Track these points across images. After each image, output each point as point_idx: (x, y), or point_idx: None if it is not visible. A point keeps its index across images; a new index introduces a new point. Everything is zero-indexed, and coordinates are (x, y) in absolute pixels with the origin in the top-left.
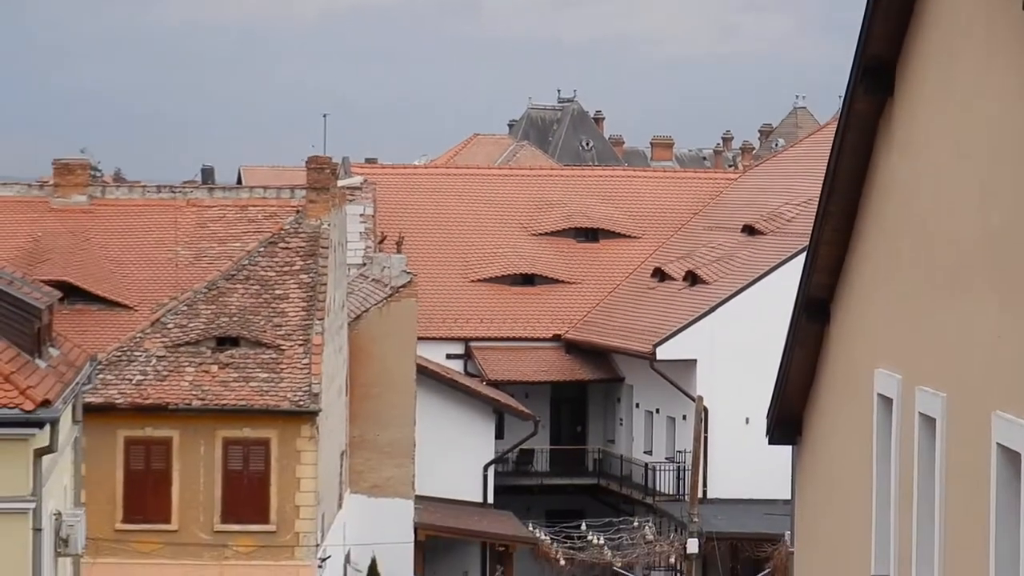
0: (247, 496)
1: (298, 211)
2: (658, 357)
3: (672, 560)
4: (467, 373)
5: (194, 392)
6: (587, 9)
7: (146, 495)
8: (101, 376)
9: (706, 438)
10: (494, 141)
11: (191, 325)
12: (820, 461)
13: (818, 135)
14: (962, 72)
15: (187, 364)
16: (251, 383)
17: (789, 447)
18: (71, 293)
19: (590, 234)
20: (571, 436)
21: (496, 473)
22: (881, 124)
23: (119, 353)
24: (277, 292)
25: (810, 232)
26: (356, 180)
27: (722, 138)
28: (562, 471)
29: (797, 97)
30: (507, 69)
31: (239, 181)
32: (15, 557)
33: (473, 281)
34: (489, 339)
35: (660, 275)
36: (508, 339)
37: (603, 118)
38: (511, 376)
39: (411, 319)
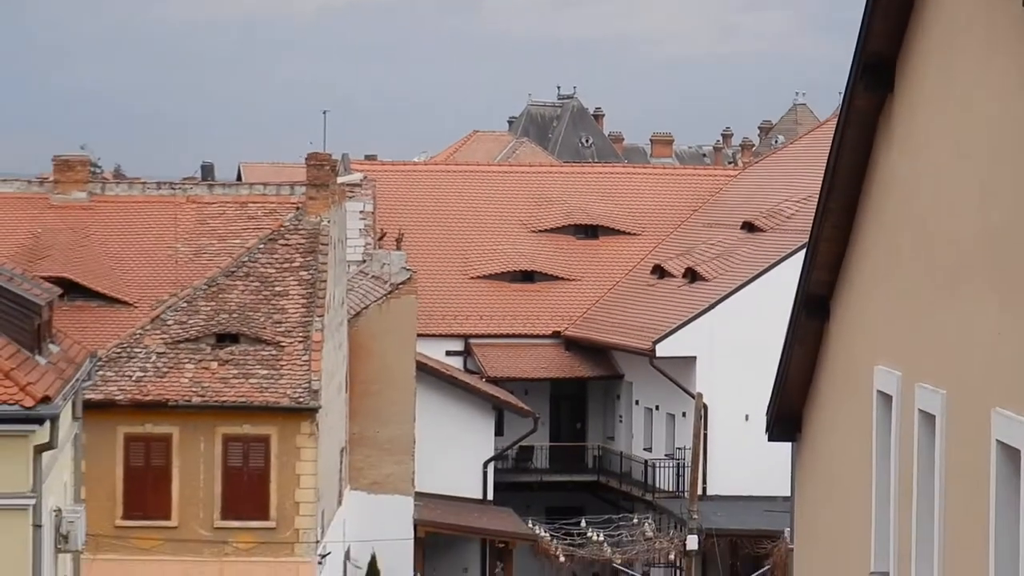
0: (247, 493)
1: (298, 208)
2: (658, 354)
3: (672, 557)
4: (467, 370)
5: (194, 389)
6: (587, 6)
7: (146, 491)
8: (101, 373)
9: (706, 435)
10: (494, 138)
11: (191, 322)
12: (820, 458)
13: (818, 132)
14: (962, 69)
15: (187, 361)
16: (251, 380)
17: (789, 444)
18: (71, 290)
19: (590, 231)
20: (571, 433)
21: (496, 470)
22: (881, 121)
23: (119, 350)
24: (277, 289)
25: (810, 229)
26: (356, 177)
27: (722, 135)
28: (562, 468)
29: (797, 94)
30: (507, 66)
31: (239, 178)
32: (15, 553)
33: (473, 278)
34: (489, 336)
35: (660, 272)
36: (508, 336)
37: (603, 115)
38: (511, 373)
39: (411, 316)
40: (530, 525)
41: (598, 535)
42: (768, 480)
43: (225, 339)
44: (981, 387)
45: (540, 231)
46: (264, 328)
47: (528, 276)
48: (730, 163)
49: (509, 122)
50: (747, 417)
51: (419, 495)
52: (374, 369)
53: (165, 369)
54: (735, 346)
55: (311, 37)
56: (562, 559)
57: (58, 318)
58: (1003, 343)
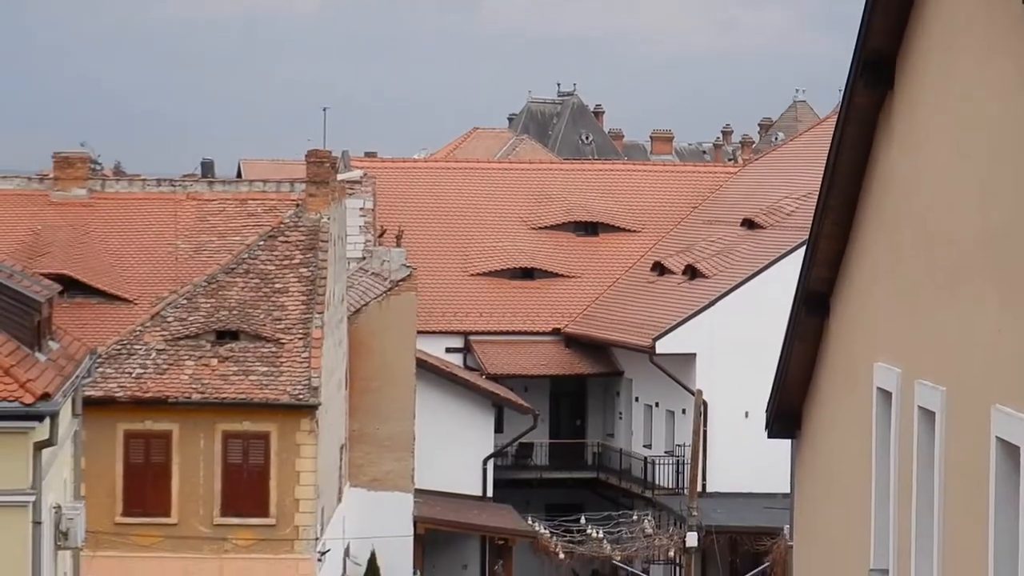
0: (247, 490)
1: (298, 205)
2: (657, 351)
3: (671, 554)
4: (466, 367)
5: (194, 386)
6: (587, 3)
7: (146, 488)
8: (101, 369)
9: (705, 432)
10: (494, 135)
11: (191, 319)
12: (819, 455)
13: (818, 129)
14: (962, 67)
15: (187, 358)
16: (251, 377)
17: (788, 441)
18: (71, 286)
19: (590, 228)
20: (570, 430)
21: (495, 467)
22: (881, 118)
23: (119, 346)
24: (277, 286)
25: (810, 226)
26: (356, 174)
27: (722, 132)
28: (561, 465)
29: (797, 91)
30: (507, 63)
31: (239, 175)
32: (15, 550)
33: (473, 275)
34: (488, 333)
35: (660, 269)
36: (507, 333)
37: (603, 112)
38: (510, 370)
39: (411, 313)
40: (530, 522)
41: (598, 532)
42: (768, 477)
43: (225, 336)
44: (981, 384)
45: (540, 228)
46: (264, 325)
47: (528, 273)
48: (730, 160)
49: (509, 119)
50: (747, 414)
51: (419, 492)
52: (374, 366)
53: (165, 366)
54: (735, 343)
55: (311, 34)
56: (561, 556)
57: (58, 315)
58: (1003, 340)
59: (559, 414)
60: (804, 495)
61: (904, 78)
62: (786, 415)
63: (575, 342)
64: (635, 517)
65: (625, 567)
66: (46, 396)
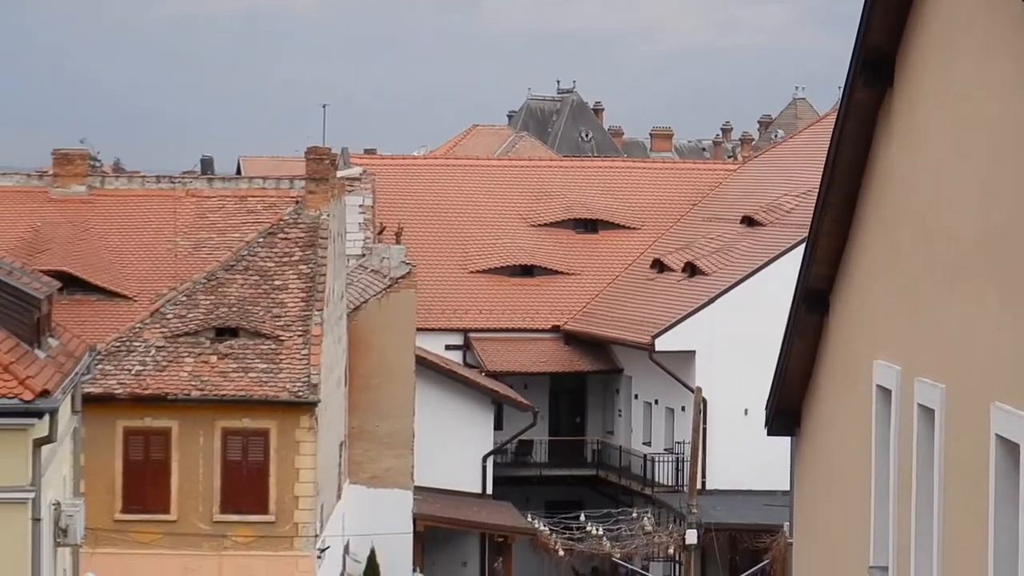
0: (246, 487)
1: (297, 202)
2: (657, 348)
3: (671, 551)
4: (466, 364)
5: (193, 382)
6: (587, 1)
7: (145, 485)
8: (100, 366)
9: (705, 429)
10: (493, 132)
11: (190, 316)
12: (819, 452)
13: (817, 126)
14: (962, 65)
15: (186, 355)
16: (250, 374)
17: (788, 438)
18: (70, 283)
19: (589, 225)
20: (570, 427)
21: (495, 464)
22: (880, 115)
23: (118, 343)
24: (276, 283)
25: (809, 223)
26: (355, 171)
27: (721, 129)
28: (561, 462)
29: (796, 88)
30: (506, 60)
31: (238, 172)
32: (14, 547)
33: (472, 272)
34: (488, 330)
35: (659, 266)
36: (507, 330)
37: (602, 109)
38: (510, 367)
39: (410, 310)
40: (529, 519)
41: (597, 529)
42: (767, 474)
43: (224, 333)
44: (980, 381)
45: (540, 225)
46: (263, 322)
47: (527, 270)
48: (730, 157)
49: (509, 116)
50: (746, 411)
51: (418, 489)
52: (373, 363)
53: (164, 363)
54: (734, 340)
55: (311, 32)
56: (561, 553)
57: (57, 312)
58: (1002, 337)
59: (559, 411)
60: (804, 492)
61: (904, 76)
62: (786, 412)
63: (575, 339)
64: (635, 514)
65: (625, 564)
66: (45, 393)
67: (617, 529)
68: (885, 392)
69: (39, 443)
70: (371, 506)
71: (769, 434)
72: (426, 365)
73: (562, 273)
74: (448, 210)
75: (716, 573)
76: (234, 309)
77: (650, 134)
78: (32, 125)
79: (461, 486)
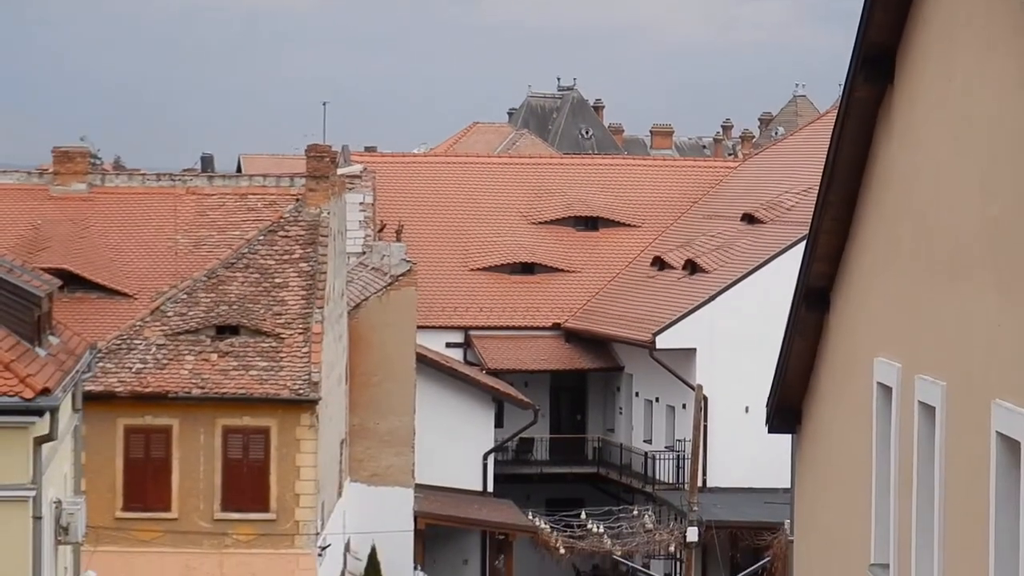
0: (247, 484)
1: (298, 199)
2: (658, 346)
3: (672, 549)
4: (467, 362)
5: (194, 380)
6: None
7: (146, 483)
8: (101, 364)
9: (706, 427)
10: (494, 129)
11: (191, 313)
12: (820, 450)
13: (818, 123)
14: (962, 62)
15: (187, 352)
16: (251, 371)
17: (789, 436)
18: (71, 281)
19: (590, 223)
20: (571, 425)
21: (496, 462)
22: (881, 113)
23: (119, 341)
24: (277, 280)
25: (810, 221)
26: (356, 168)
27: (722, 126)
28: (562, 460)
29: (797, 85)
30: (507, 57)
31: (239, 169)
32: (15, 545)
33: (473, 270)
34: (489, 328)
35: (660, 264)
36: (508, 328)
37: (603, 106)
38: (511, 365)
39: (411, 307)
40: (530, 517)
41: (598, 527)
42: (768, 472)
43: (225, 331)
44: (981, 379)
45: (540, 223)
46: (264, 320)
47: (528, 268)
48: (730, 155)
49: (509, 113)
50: (747, 409)
51: (419, 487)
52: (374, 361)
53: (165, 361)
54: (735, 338)
55: (311, 29)
56: (562, 551)
57: (58, 310)
58: (1003, 335)
59: (559, 409)
60: (804, 490)
61: (904, 73)
62: (786, 410)
63: (575, 337)
64: (635, 512)
65: (625, 562)
66: (46, 391)
67: (618, 527)
68: (886, 389)
69: (40, 441)
70: (372, 504)
71: (770, 431)
72: (427, 363)
73: (563, 271)
74: (449, 208)
75: (717, 571)
76: (235, 307)
77: (650, 131)
78: (32, 119)
79: (462, 484)
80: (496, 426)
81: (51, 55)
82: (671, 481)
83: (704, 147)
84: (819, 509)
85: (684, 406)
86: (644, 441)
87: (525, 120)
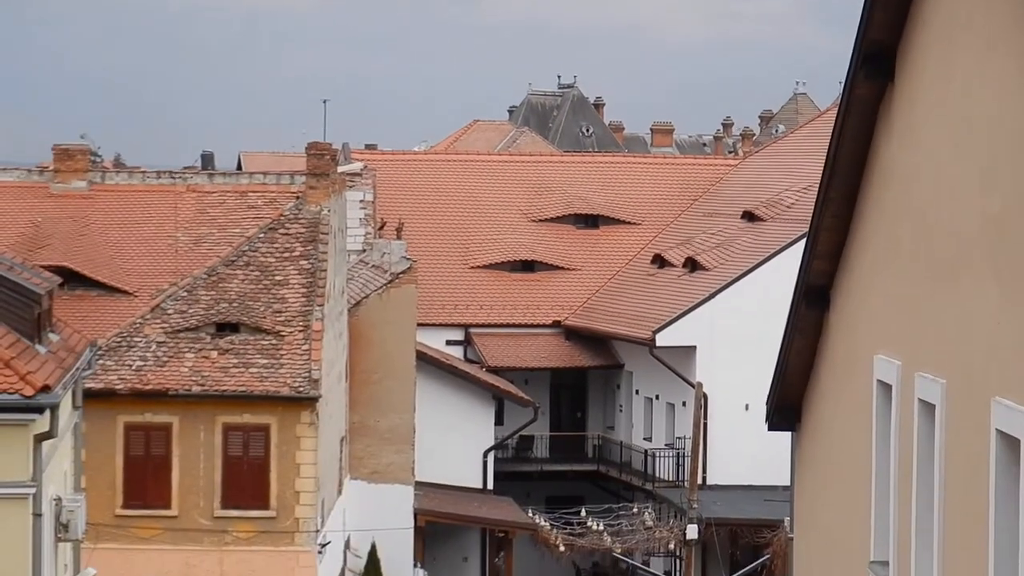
0: (247, 482)
1: (298, 197)
2: (658, 343)
3: (671, 546)
4: (467, 359)
5: (194, 378)
6: None
7: (146, 481)
8: (101, 362)
9: (706, 424)
10: (494, 127)
11: (191, 311)
12: (819, 447)
13: (818, 121)
14: (962, 60)
15: (187, 350)
16: (251, 369)
17: (788, 433)
18: (71, 279)
19: (590, 220)
20: (571, 422)
21: (496, 459)
22: (881, 110)
23: (119, 339)
24: (277, 278)
25: (810, 218)
26: (356, 166)
27: (722, 124)
28: (562, 457)
29: (797, 83)
30: (507, 55)
31: (239, 167)
32: (15, 542)
33: (473, 267)
34: (489, 325)
35: (660, 261)
36: (508, 325)
37: (603, 104)
38: (511, 362)
39: (411, 305)
40: (530, 514)
41: (598, 524)
42: (768, 469)
43: (225, 328)
44: (981, 376)
45: (540, 220)
46: (264, 317)
47: (528, 266)
48: (730, 152)
49: (509, 111)
50: (747, 407)
51: (419, 484)
52: (374, 358)
53: (165, 358)
54: (735, 336)
55: (311, 27)
56: (562, 548)
57: (58, 307)
58: (1003, 332)
59: (559, 407)
60: (804, 488)
61: (904, 70)
62: (786, 408)
63: (575, 335)
64: (635, 510)
65: (625, 560)
66: (46, 388)
67: (618, 524)
68: (886, 387)
69: (40, 438)
70: (372, 501)
71: (770, 429)
72: (427, 360)
73: (563, 268)
74: (449, 205)
75: (717, 568)
76: (235, 304)
77: (651, 129)
78: (32, 117)
79: (462, 481)
80: (496, 424)
81: (51, 55)
82: (671, 479)
83: (704, 145)
84: (819, 506)
85: (684, 404)
86: (644, 439)
87: (525, 118)
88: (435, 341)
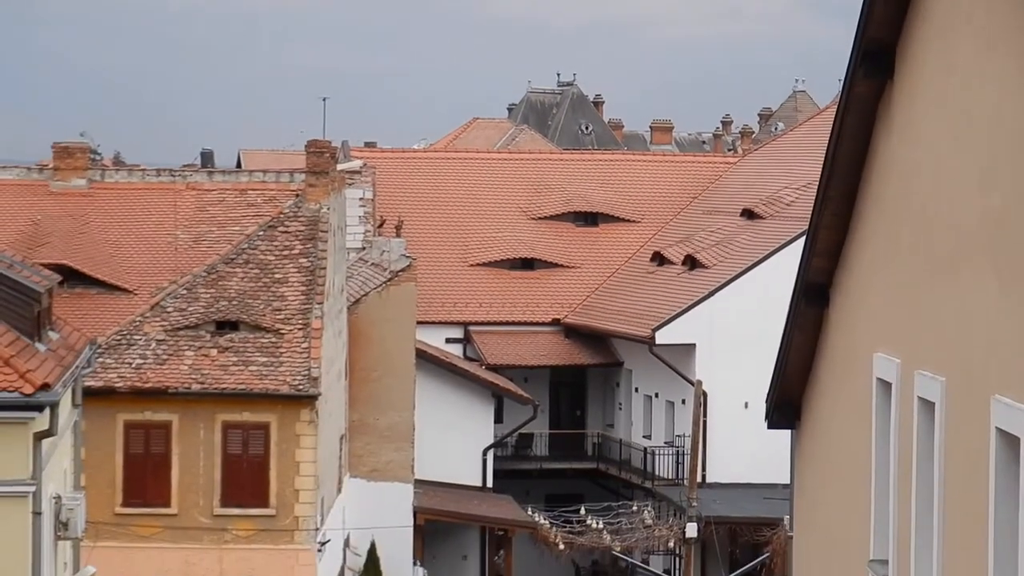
0: (247, 480)
1: (297, 195)
2: (657, 341)
3: (671, 544)
4: (466, 357)
5: (193, 376)
6: None
7: (146, 479)
8: (101, 360)
9: (705, 422)
10: (493, 125)
11: (190, 309)
12: (819, 445)
13: (817, 119)
14: (962, 56)
15: (186, 348)
16: (250, 367)
17: (788, 431)
18: (71, 277)
19: (589, 218)
20: (570, 420)
21: (495, 457)
22: (881, 107)
23: (119, 337)
24: (276, 276)
25: (809, 216)
26: (355, 164)
27: (721, 122)
28: (561, 455)
29: (797, 81)
30: (507, 53)
31: (238, 165)
32: (15, 540)
33: (472, 265)
34: (488, 323)
35: (659, 259)
36: (507, 323)
37: (602, 102)
38: (510, 360)
39: (410, 303)
40: (530, 513)
41: (597, 523)
42: (767, 468)
43: (225, 326)
44: (981, 374)
45: (540, 218)
46: (264, 315)
47: (528, 263)
48: (730, 150)
49: (509, 109)
50: (747, 405)
51: (419, 482)
52: (374, 356)
53: (165, 356)
54: (735, 334)
55: (311, 24)
56: (561, 547)
57: (58, 305)
58: (1003, 330)
59: (559, 404)
60: (804, 486)
61: (904, 67)
62: (786, 405)
63: (575, 332)
64: (635, 508)
65: (625, 558)
66: (46, 386)
67: (617, 522)
68: (885, 385)
69: (39, 437)
70: (371, 499)
71: (769, 427)
72: (426, 358)
73: (562, 266)
74: (448, 203)
75: (716, 566)
76: (234, 302)
77: (650, 127)
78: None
79: (461, 479)
80: (496, 422)
81: (51, 55)
82: (670, 477)
83: (704, 143)
84: (818, 505)
85: (684, 402)
86: (643, 437)
87: (525, 116)
88: (434, 339)
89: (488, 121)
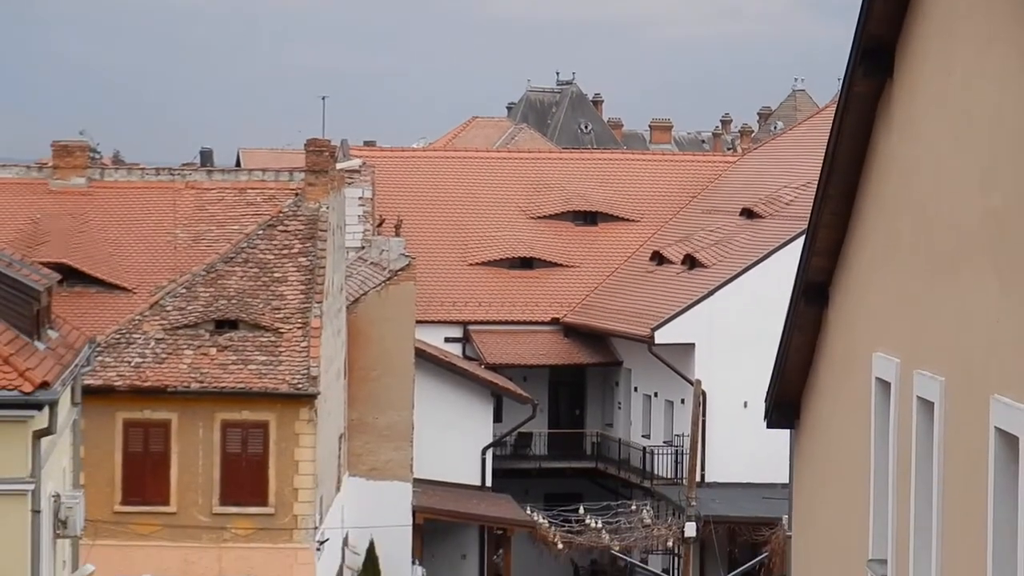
0: (246, 479)
1: (297, 194)
2: (656, 341)
3: (670, 544)
4: (465, 356)
5: (193, 375)
6: None
7: (145, 477)
8: (100, 358)
9: (704, 422)
10: (493, 124)
11: (190, 308)
12: (818, 445)
13: (817, 118)
14: (962, 54)
15: (186, 347)
16: (250, 366)
17: (787, 431)
18: (70, 275)
19: (588, 217)
20: (569, 420)
21: (494, 456)
22: (880, 106)
23: (118, 335)
24: (276, 275)
25: (809, 215)
26: (355, 163)
27: (721, 121)
28: (560, 455)
29: (796, 80)
30: (506, 52)
31: (238, 164)
32: (14, 539)
33: (471, 264)
34: (487, 322)
35: (658, 258)
36: (506, 323)
37: (602, 101)
38: (509, 360)
39: (410, 302)
40: (528, 512)
41: (596, 522)
42: (766, 467)
43: (224, 325)
44: (980, 374)
45: (539, 217)
46: (263, 314)
47: (527, 263)
48: (729, 149)
49: (508, 108)
50: (746, 404)
51: (418, 481)
52: (373, 355)
53: (164, 355)
54: (734, 333)
55: (310, 23)
56: (560, 546)
57: (57, 304)
58: (1002, 330)
59: (558, 404)
60: (803, 485)
61: (904, 66)
62: (785, 405)
63: (574, 332)
64: (634, 507)
65: (623, 557)
66: (45, 385)
67: (616, 522)
68: (884, 385)
69: (39, 435)
70: (370, 498)
71: (768, 427)
72: (425, 357)
73: (561, 265)
74: (447, 202)
75: (715, 566)
76: (233, 301)
77: (649, 126)
78: (31, 113)
79: (460, 478)
80: (495, 421)
81: (51, 55)
82: (669, 476)
83: (703, 142)
84: (817, 504)
85: (683, 401)
86: (642, 436)
87: (524, 115)
88: (434, 338)
89: (487, 120)
